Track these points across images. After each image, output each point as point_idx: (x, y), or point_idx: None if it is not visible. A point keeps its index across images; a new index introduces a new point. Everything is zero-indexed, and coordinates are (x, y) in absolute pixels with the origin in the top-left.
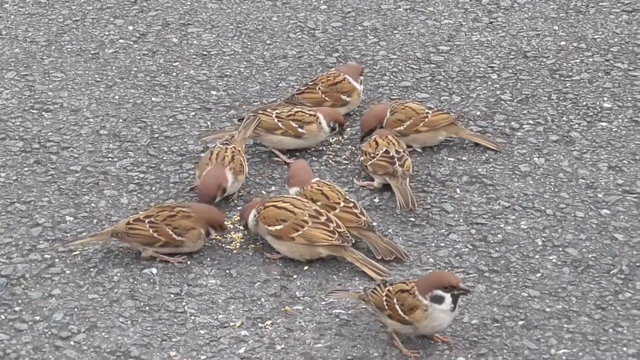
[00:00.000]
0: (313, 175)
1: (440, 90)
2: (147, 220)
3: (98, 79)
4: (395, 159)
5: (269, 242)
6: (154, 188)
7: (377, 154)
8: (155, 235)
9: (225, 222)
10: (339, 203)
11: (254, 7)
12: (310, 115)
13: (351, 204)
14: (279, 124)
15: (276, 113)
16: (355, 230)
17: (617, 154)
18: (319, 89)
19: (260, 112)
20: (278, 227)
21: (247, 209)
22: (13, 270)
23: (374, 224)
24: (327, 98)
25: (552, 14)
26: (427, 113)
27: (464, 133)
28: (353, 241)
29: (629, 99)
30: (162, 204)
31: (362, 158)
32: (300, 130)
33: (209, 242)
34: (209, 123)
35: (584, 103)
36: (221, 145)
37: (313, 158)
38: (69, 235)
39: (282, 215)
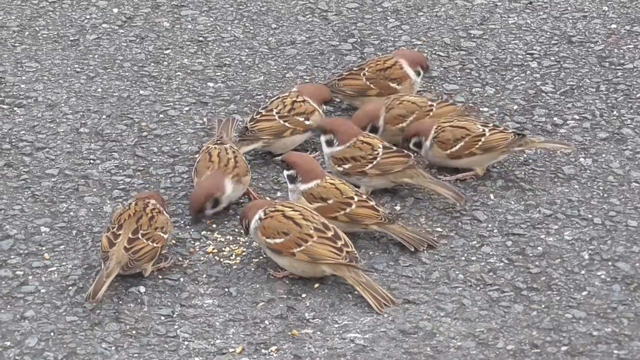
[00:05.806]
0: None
1: (472, 81)
2: (139, 234)
3: (78, 70)
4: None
5: (269, 255)
6: None
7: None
8: (154, 245)
9: None
10: (352, 198)
11: None
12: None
13: (364, 197)
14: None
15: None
16: (376, 226)
17: None
18: (364, 74)
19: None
20: (278, 241)
21: (252, 209)
22: None
23: (391, 214)
24: (372, 86)
25: None
26: (432, 105)
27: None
28: (360, 262)
29: None
30: (123, 209)
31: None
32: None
33: (205, 257)
34: (205, 119)
35: (638, 95)
36: (217, 146)
37: None
38: (44, 248)
39: (285, 228)
